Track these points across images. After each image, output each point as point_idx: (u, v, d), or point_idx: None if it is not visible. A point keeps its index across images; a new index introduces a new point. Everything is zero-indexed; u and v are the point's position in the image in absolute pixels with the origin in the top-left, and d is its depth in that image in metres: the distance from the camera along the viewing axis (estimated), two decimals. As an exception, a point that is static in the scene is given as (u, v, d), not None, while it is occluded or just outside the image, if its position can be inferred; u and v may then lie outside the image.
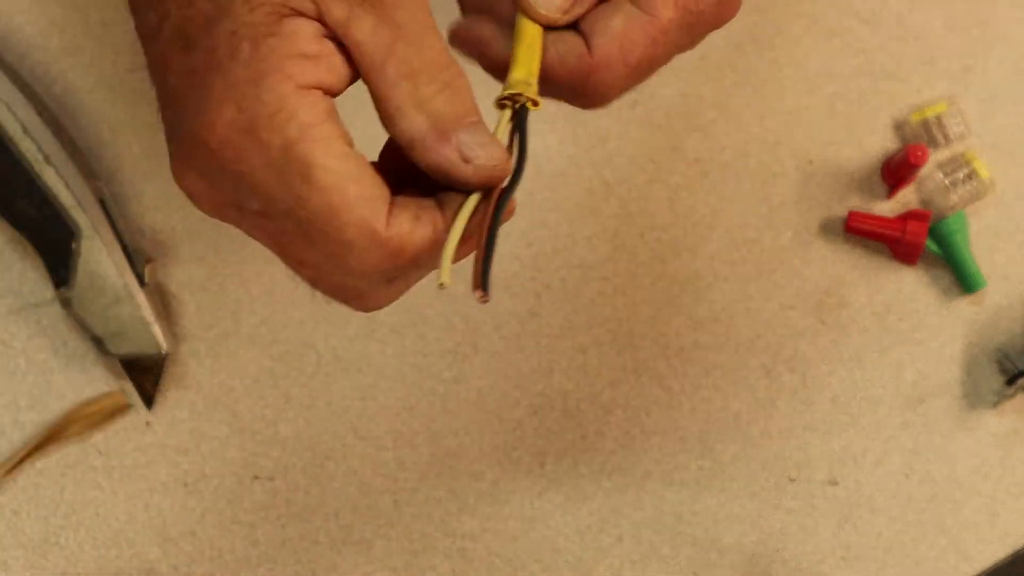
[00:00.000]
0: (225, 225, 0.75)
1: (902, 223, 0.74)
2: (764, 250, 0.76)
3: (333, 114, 0.48)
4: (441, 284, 0.48)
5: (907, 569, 0.76)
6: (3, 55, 0.74)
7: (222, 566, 0.75)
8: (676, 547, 0.76)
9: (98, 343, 0.73)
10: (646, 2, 0.52)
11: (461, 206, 0.49)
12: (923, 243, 0.74)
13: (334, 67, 0.48)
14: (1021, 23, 0.76)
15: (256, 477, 0.75)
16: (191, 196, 0.49)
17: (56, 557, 0.75)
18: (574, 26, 0.53)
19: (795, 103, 0.76)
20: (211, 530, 0.75)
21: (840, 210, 0.76)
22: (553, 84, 0.52)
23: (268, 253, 0.75)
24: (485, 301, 0.48)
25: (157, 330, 0.73)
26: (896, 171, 0.74)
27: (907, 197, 0.76)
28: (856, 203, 0.76)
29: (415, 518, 0.76)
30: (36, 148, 0.71)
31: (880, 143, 0.76)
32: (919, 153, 0.72)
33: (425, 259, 0.49)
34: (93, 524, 0.75)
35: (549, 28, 0.53)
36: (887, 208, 0.76)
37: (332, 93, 0.48)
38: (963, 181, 0.75)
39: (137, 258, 0.73)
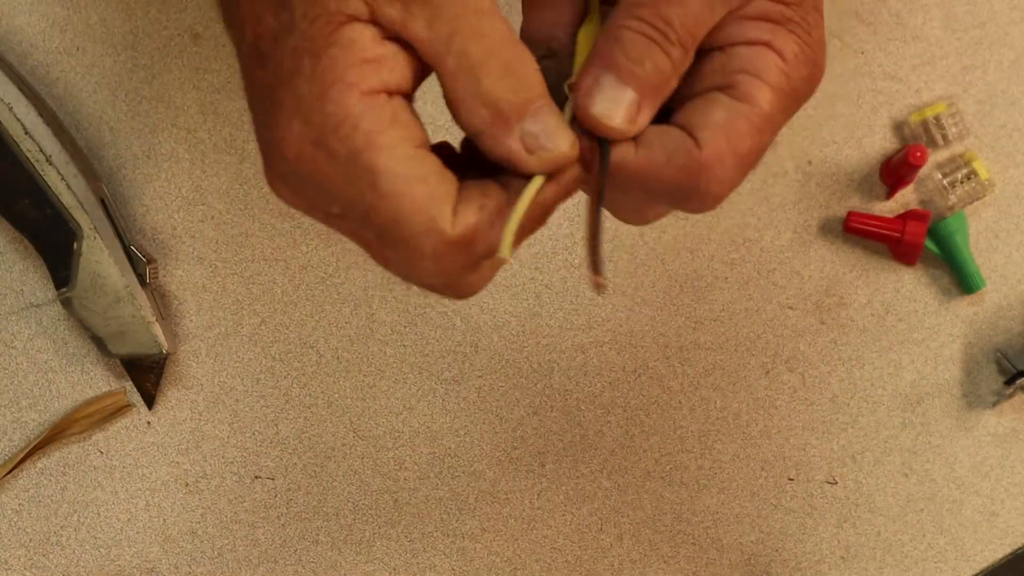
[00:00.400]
0: (225, 225, 0.75)
1: (901, 223, 0.74)
2: (764, 250, 0.76)
3: (401, 115, 0.48)
4: (501, 257, 0.48)
5: (906, 568, 0.76)
6: (4, 55, 0.74)
7: (222, 566, 0.75)
8: (676, 547, 0.76)
9: (99, 343, 0.73)
10: (743, 92, 0.50)
11: (524, 188, 0.49)
12: (922, 243, 0.74)
13: (398, 67, 0.48)
14: (1021, 23, 0.76)
15: (256, 477, 0.76)
16: (284, 201, 0.50)
17: (57, 556, 0.75)
18: (665, 119, 0.51)
19: (795, 103, 0.76)
20: (211, 530, 0.75)
21: (840, 210, 0.76)
22: (662, 185, 0.50)
23: (268, 253, 0.75)
24: (602, 287, 0.49)
25: (157, 330, 0.73)
26: (895, 171, 0.74)
27: (906, 197, 0.76)
28: (856, 203, 0.76)
29: (415, 518, 0.76)
30: (37, 149, 0.71)
31: (879, 143, 0.76)
32: (918, 153, 0.72)
33: (497, 244, 0.49)
34: (94, 523, 0.75)
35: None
36: (886, 208, 0.76)
37: (403, 91, 0.48)
38: (962, 181, 0.75)
39: (138, 258, 0.73)
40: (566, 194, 0.50)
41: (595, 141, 0.50)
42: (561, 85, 0.51)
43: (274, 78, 0.47)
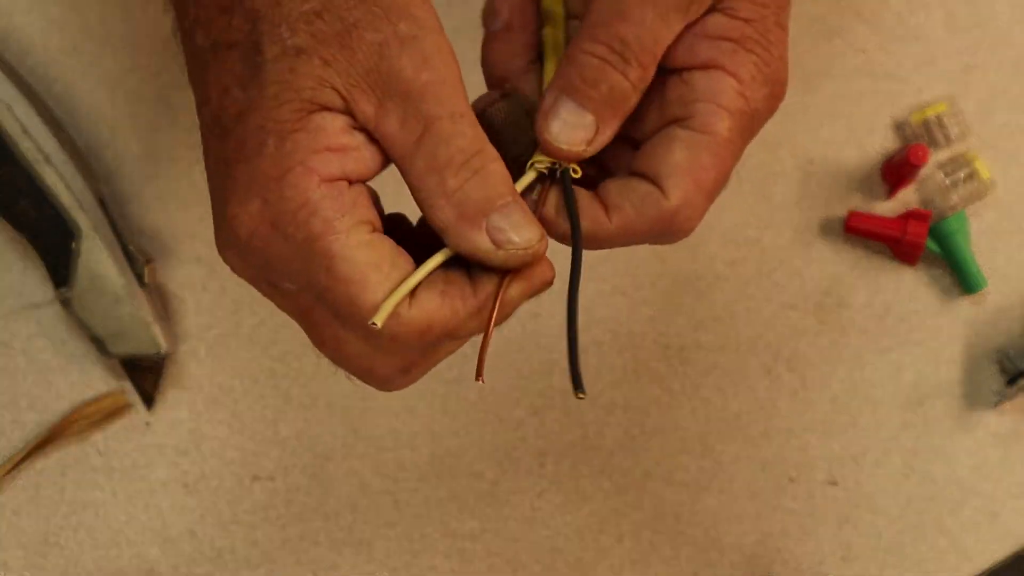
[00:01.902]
0: (225, 225, 0.75)
1: (902, 223, 0.74)
2: (764, 250, 0.76)
3: (360, 200, 0.48)
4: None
5: (907, 569, 0.76)
6: (3, 55, 0.74)
7: (222, 566, 0.75)
8: (676, 547, 0.76)
9: (98, 343, 0.73)
10: (701, 123, 0.50)
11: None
12: (923, 243, 0.74)
13: (363, 158, 0.48)
14: (1021, 23, 0.76)
15: (256, 477, 0.75)
16: (232, 269, 0.51)
17: (56, 557, 0.75)
18: (612, 159, 0.52)
19: (795, 103, 0.76)
20: (211, 530, 0.75)
21: (840, 210, 0.76)
22: (637, 239, 0.51)
23: (268, 253, 0.75)
24: (581, 398, 0.50)
25: (157, 330, 0.73)
26: (896, 171, 0.74)
27: (907, 197, 0.76)
28: (856, 203, 0.76)
29: (415, 518, 0.76)
30: (36, 148, 0.71)
31: (880, 143, 0.76)
32: (919, 153, 0.72)
33: (452, 334, 0.50)
34: (93, 524, 0.75)
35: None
36: (887, 208, 0.76)
37: (364, 178, 0.49)
38: (963, 181, 0.75)
39: (137, 258, 0.73)
40: (533, 291, 0.51)
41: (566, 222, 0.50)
42: (523, 123, 0.52)
43: (234, 153, 0.47)
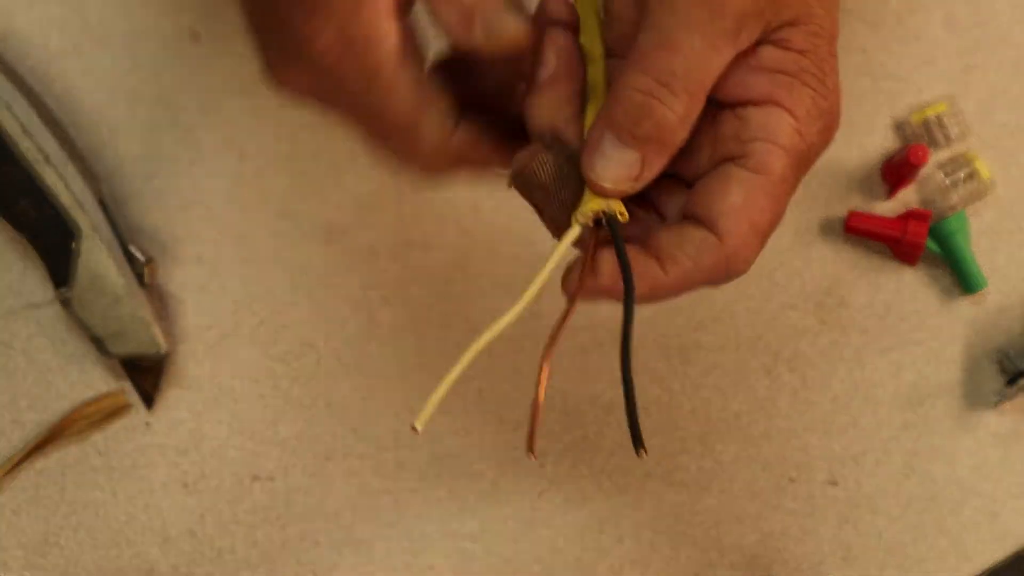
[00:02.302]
0: (225, 225, 0.75)
1: (902, 223, 0.74)
2: (765, 250, 0.75)
3: (411, 37, 0.51)
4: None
5: (907, 569, 0.76)
6: (3, 55, 0.74)
7: (222, 566, 0.75)
8: (676, 547, 0.76)
9: (98, 343, 0.73)
10: (755, 162, 0.49)
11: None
12: (923, 243, 0.74)
13: None
14: (1021, 23, 0.76)
15: (256, 477, 0.75)
16: (291, 87, 0.53)
17: (56, 557, 0.75)
18: (663, 192, 0.52)
19: (795, 103, 0.76)
20: (211, 530, 0.75)
21: (840, 210, 0.76)
22: (694, 287, 0.51)
23: (268, 253, 0.75)
24: (643, 456, 0.50)
25: (157, 330, 0.73)
26: (896, 171, 0.74)
27: (907, 197, 0.76)
28: (856, 203, 0.76)
29: (415, 518, 0.76)
30: (36, 148, 0.71)
31: (880, 143, 0.76)
32: (919, 153, 0.72)
33: (480, 161, 0.53)
34: (93, 524, 0.75)
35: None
36: (887, 208, 0.76)
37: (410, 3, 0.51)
38: (963, 181, 0.75)
39: (137, 258, 0.73)
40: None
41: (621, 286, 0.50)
42: (570, 173, 0.51)
43: None
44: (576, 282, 0.52)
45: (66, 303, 0.72)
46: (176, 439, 0.75)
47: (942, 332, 0.76)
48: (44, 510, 0.75)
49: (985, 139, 0.76)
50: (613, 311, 0.76)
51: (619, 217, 0.50)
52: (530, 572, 0.76)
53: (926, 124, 0.75)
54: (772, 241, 0.75)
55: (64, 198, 0.71)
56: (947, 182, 0.75)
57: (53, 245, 0.72)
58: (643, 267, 0.50)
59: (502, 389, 0.76)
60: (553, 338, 0.51)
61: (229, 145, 0.75)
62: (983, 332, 0.76)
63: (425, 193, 0.75)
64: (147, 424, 0.75)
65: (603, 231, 0.51)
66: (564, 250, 0.51)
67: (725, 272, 0.50)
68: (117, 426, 0.75)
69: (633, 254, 0.50)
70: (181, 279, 0.75)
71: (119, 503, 0.75)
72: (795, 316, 0.76)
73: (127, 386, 0.75)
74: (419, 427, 0.47)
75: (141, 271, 0.73)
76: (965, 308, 0.76)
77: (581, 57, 0.52)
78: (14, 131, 0.71)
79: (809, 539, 0.76)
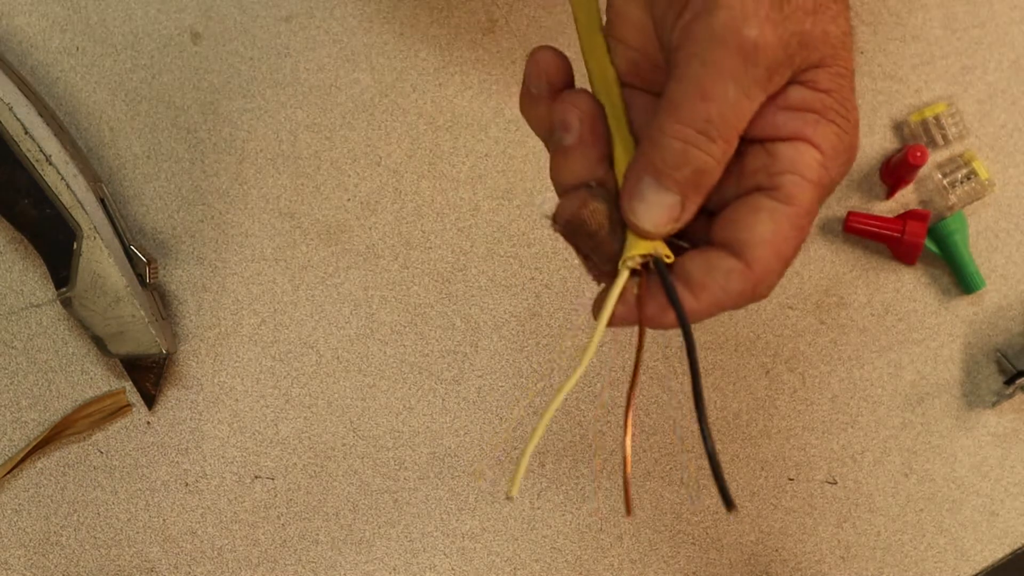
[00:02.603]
0: (225, 225, 0.75)
1: (901, 223, 0.74)
2: (763, 250, 0.76)
3: None
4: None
5: (906, 568, 0.76)
6: (4, 55, 0.74)
7: (222, 566, 0.75)
8: (676, 547, 0.76)
9: (99, 343, 0.73)
10: (786, 194, 0.51)
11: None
12: (922, 243, 0.74)
13: None
14: (1020, 23, 0.76)
15: (256, 477, 0.76)
16: None
17: (57, 556, 0.75)
18: (699, 226, 0.53)
19: (794, 103, 0.76)
20: (211, 530, 0.75)
21: (839, 210, 0.76)
22: (721, 311, 0.52)
23: (268, 253, 0.75)
24: (733, 509, 0.50)
25: (157, 330, 0.73)
26: (895, 171, 0.74)
27: (906, 197, 0.76)
28: (855, 203, 0.76)
29: (415, 518, 0.76)
30: (37, 149, 0.71)
31: (879, 143, 0.76)
32: (918, 153, 0.72)
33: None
34: (94, 523, 0.75)
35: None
36: (886, 208, 0.76)
37: None
38: (962, 181, 0.75)
39: (137, 258, 0.73)
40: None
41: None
42: (617, 217, 0.52)
43: None
44: (619, 318, 0.54)
45: (67, 303, 0.72)
46: (177, 438, 0.75)
47: (941, 332, 0.76)
48: (45, 509, 0.75)
49: (984, 139, 0.76)
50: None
51: (664, 260, 0.51)
52: (530, 572, 0.76)
53: (925, 124, 0.75)
54: (771, 241, 0.76)
55: (65, 198, 0.71)
56: (946, 182, 0.75)
57: (54, 245, 0.72)
58: (675, 289, 0.52)
59: (502, 389, 0.76)
60: (632, 389, 0.53)
61: (229, 145, 0.75)
62: (981, 332, 0.76)
63: (425, 194, 0.75)
64: (148, 423, 0.75)
65: (646, 273, 0.52)
66: (616, 295, 0.52)
67: (751, 298, 0.52)
68: (118, 425, 0.75)
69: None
70: (182, 279, 0.75)
71: (120, 502, 0.75)
72: (794, 316, 0.76)
73: (128, 386, 0.75)
74: (514, 494, 0.49)
75: (142, 271, 0.73)
76: (964, 308, 0.76)
77: (604, 117, 0.53)
78: (15, 132, 0.71)
79: (808, 538, 0.76)
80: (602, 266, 0.52)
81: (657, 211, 0.50)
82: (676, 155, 0.50)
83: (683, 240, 0.53)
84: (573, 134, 0.52)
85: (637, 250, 0.51)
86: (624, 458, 0.51)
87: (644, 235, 0.51)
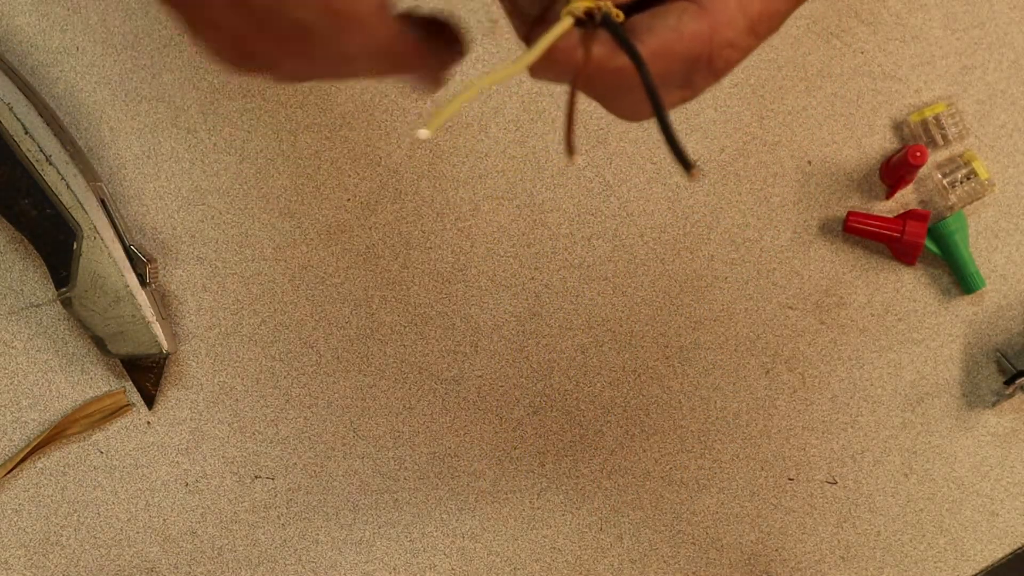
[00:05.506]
0: (225, 225, 0.75)
1: (901, 223, 0.74)
2: (764, 250, 0.76)
3: None
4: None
5: (906, 568, 0.76)
6: (4, 55, 0.74)
7: (222, 565, 0.75)
8: (676, 547, 0.76)
9: (99, 343, 0.73)
10: None
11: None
12: (922, 243, 0.74)
13: None
14: (1020, 23, 0.76)
15: (256, 476, 0.76)
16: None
17: (57, 556, 0.75)
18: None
19: (794, 103, 0.76)
20: (211, 529, 0.75)
21: (839, 210, 0.76)
22: (675, 60, 0.47)
23: (268, 253, 0.75)
24: (695, 178, 0.45)
25: (158, 330, 0.73)
26: (895, 171, 0.74)
27: (906, 197, 0.76)
28: (855, 203, 0.76)
29: (415, 518, 0.76)
30: (37, 148, 0.71)
31: (879, 143, 0.76)
32: (918, 153, 0.72)
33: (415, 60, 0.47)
34: (94, 523, 0.75)
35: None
36: (886, 208, 0.76)
37: None
38: (962, 181, 0.75)
39: (138, 258, 0.73)
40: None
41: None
42: None
43: None
44: (562, 61, 0.47)
45: (67, 303, 0.72)
46: (177, 438, 0.75)
47: (941, 332, 0.76)
48: (46, 509, 0.75)
49: (984, 139, 0.76)
50: (613, 311, 0.76)
51: (614, 17, 0.46)
52: (530, 572, 0.76)
53: (925, 124, 0.75)
54: (771, 241, 0.76)
55: (65, 198, 0.71)
56: (946, 182, 0.75)
57: (54, 245, 0.72)
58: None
59: (502, 389, 0.76)
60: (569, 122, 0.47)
61: (229, 145, 0.75)
62: (981, 332, 0.76)
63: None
64: (148, 423, 0.75)
65: (590, 30, 0.47)
66: (552, 39, 0.46)
67: (708, 52, 0.47)
68: (118, 425, 0.75)
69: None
70: (182, 279, 0.75)
71: (120, 502, 0.75)
72: (794, 316, 0.76)
73: (128, 386, 0.75)
74: (428, 133, 0.43)
75: (142, 271, 0.73)
76: (964, 308, 0.76)
77: None
78: (16, 131, 0.71)
79: (808, 538, 0.76)
80: (526, 12, 0.48)
81: None
82: None
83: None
84: None
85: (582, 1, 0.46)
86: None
87: None
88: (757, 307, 0.76)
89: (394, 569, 0.76)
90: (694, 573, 0.76)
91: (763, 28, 0.47)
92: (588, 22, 0.46)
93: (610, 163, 0.75)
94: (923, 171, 0.76)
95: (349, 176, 0.75)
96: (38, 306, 0.75)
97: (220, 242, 0.75)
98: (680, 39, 0.46)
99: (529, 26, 0.48)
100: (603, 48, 0.46)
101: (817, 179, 0.76)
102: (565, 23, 0.46)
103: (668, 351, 0.76)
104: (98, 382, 0.75)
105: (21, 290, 0.75)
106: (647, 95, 0.45)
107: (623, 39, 0.45)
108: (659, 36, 0.46)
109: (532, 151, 0.75)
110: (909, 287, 0.76)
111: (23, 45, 0.75)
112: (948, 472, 0.76)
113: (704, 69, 0.47)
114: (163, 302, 0.75)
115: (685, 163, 0.44)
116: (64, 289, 0.72)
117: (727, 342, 0.76)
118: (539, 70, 0.47)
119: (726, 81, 0.76)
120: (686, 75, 0.47)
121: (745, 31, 0.47)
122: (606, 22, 0.46)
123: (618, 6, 0.47)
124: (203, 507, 0.75)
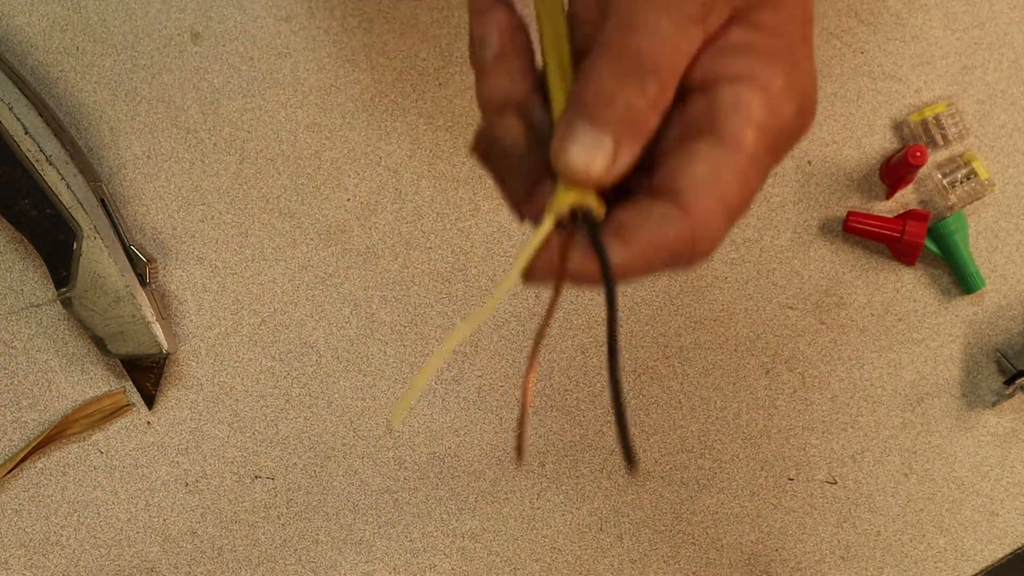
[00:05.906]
0: (225, 225, 0.75)
1: (901, 223, 0.74)
2: (764, 250, 0.76)
3: None
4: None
5: (906, 568, 0.76)
6: (4, 55, 0.74)
7: (222, 566, 0.75)
8: (676, 547, 0.76)
9: (99, 343, 0.73)
10: (726, 135, 0.47)
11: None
12: (922, 243, 0.74)
13: None
14: (1020, 23, 0.76)
15: (256, 476, 0.76)
16: None
17: (57, 556, 0.75)
18: (641, 177, 0.49)
19: (794, 103, 0.76)
20: (211, 530, 0.75)
21: (839, 210, 0.76)
22: (654, 264, 0.48)
23: (268, 253, 0.75)
24: (633, 475, 0.48)
25: (158, 330, 0.73)
26: (895, 171, 0.74)
27: (906, 197, 0.76)
28: (855, 203, 0.76)
29: (415, 518, 0.76)
30: (37, 148, 0.71)
31: (879, 143, 0.76)
32: (918, 153, 0.72)
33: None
34: (94, 523, 0.75)
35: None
36: (886, 208, 0.76)
37: None
38: (962, 181, 0.75)
39: (138, 258, 0.73)
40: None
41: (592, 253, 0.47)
42: (541, 137, 0.49)
43: None
44: (543, 268, 0.48)
45: (67, 303, 0.72)
46: (177, 438, 0.75)
47: (941, 332, 0.76)
48: (46, 509, 0.75)
49: (984, 139, 0.76)
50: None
51: (595, 212, 0.47)
52: (530, 572, 0.76)
53: (925, 124, 0.75)
54: (771, 241, 0.76)
55: (65, 198, 0.71)
56: (946, 182, 0.75)
57: (54, 245, 0.72)
58: (603, 243, 0.47)
59: (502, 389, 0.76)
60: (535, 349, 0.49)
61: (229, 145, 0.75)
62: (981, 332, 0.76)
63: (425, 193, 0.75)
64: (148, 423, 0.75)
65: (573, 228, 0.48)
66: (537, 245, 0.48)
67: (691, 249, 0.48)
68: (118, 425, 0.75)
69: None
70: (182, 279, 0.75)
71: (120, 502, 0.75)
72: (794, 316, 0.76)
73: (128, 386, 0.75)
74: (397, 426, 0.45)
75: (142, 271, 0.73)
76: (964, 308, 0.76)
77: (526, 31, 0.50)
78: (15, 131, 0.71)
79: (808, 538, 0.76)
80: (517, 191, 0.49)
81: (588, 153, 0.47)
82: (607, 93, 0.47)
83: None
84: (492, 49, 0.49)
85: (566, 198, 0.47)
86: (524, 397, 0.48)
87: (575, 179, 0.47)
88: (757, 307, 0.76)
89: (394, 569, 0.76)
90: (694, 573, 0.76)
91: (739, 212, 0.49)
92: (569, 224, 0.47)
93: (610, 163, 0.75)
94: (923, 171, 0.76)
95: (349, 176, 0.75)
96: (38, 306, 0.75)
97: (220, 242, 0.75)
98: (663, 243, 0.47)
99: (520, 197, 0.50)
100: (582, 254, 0.48)
101: (817, 179, 0.76)
102: (546, 226, 0.47)
103: (668, 351, 0.76)
104: (98, 382, 0.75)
105: (21, 290, 0.75)
106: (609, 380, 0.48)
107: (601, 252, 0.47)
108: (642, 240, 0.47)
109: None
110: (909, 287, 0.76)
111: (23, 45, 0.75)
112: (948, 472, 0.76)
113: (685, 261, 0.49)
114: (163, 302, 0.75)
115: (629, 456, 0.45)
116: (64, 289, 0.72)
117: (727, 342, 0.76)
118: (528, 278, 0.49)
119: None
120: (668, 267, 0.49)
121: (724, 220, 0.48)
122: (587, 221, 0.47)
123: (599, 193, 0.48)
124: (203, 507, 0.75)
